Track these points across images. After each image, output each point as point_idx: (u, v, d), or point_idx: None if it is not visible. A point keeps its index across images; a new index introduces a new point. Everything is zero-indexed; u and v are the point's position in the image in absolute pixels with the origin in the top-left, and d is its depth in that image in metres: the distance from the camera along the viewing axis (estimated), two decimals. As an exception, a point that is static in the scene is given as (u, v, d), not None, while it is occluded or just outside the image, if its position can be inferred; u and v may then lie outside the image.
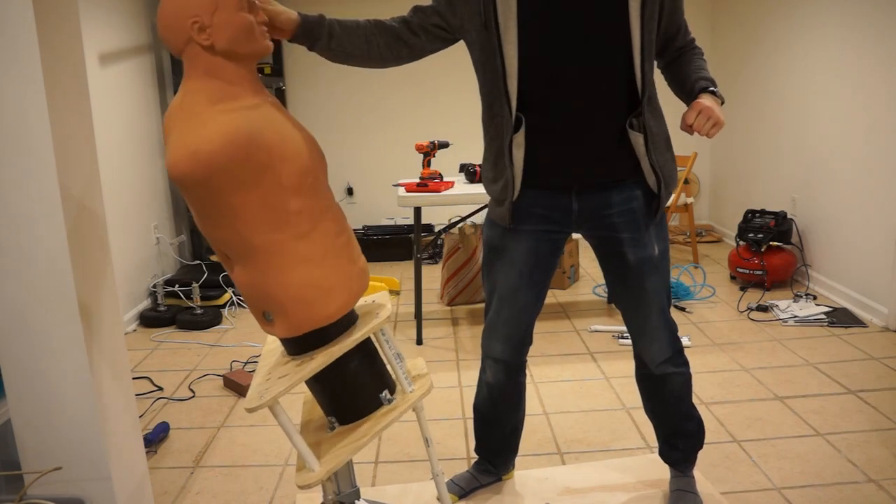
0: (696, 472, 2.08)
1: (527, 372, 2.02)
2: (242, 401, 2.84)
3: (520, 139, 1.67)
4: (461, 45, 1.79)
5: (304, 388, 1.64)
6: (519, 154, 1.68)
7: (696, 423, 1.98)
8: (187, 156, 1.23)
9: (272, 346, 1.65)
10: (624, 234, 1.74)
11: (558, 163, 1.69)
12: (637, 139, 1.67)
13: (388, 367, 1.59)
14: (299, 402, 2.60)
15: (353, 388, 1.51)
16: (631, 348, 1.93)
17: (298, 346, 1.46)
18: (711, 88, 1.64)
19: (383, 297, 1.63)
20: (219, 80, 1.32)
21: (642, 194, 1.74)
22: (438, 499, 1.67)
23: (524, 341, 1.92)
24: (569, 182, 1.72)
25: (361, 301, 1.66)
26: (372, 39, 1.72)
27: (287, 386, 1.38)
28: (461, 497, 2.08)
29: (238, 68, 1.34)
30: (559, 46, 1.60)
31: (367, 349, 1.53)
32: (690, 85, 1.69)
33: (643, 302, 1.80)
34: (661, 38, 1.69)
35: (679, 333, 1.88)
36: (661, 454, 2.03)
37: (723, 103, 1.65)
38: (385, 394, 1.53)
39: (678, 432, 1.98)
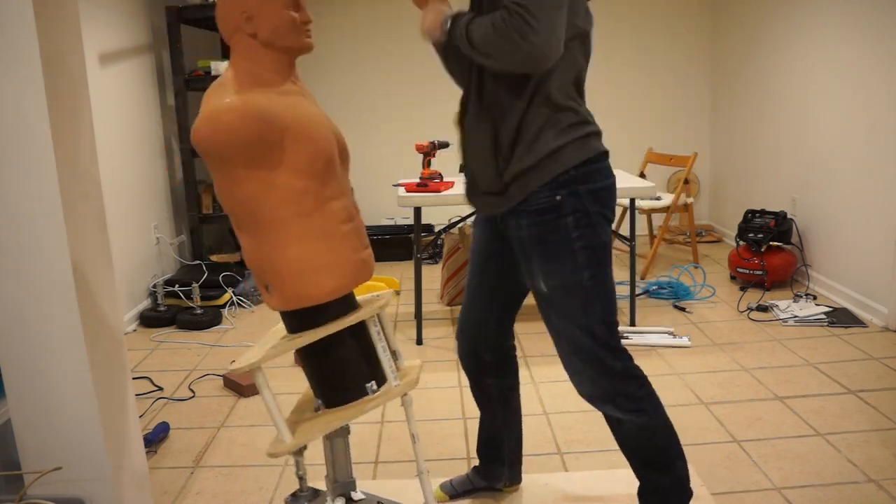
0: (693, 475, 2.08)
1: (510, 382, 1.95)
2: (243, 401, 2.84)
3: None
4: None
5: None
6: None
7: (670, 480, 1.71)
8: (207, 123, 1.35)
9: (280, 325, 1.70)
10: (519, 258, 1.68)
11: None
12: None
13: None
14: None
15: (340, 373, 1.55)
16: (631, 349, 1.92)
17: (295, 322, 1.53)
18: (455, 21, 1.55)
19: (387, 293, 1.67)
20: (256, 64, 1.44)
21: (527, 224, 1.61)
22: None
23: (476, 341, 1.88)
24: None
25: (366, 296, 1.70)
26: None
27: (266, 354, 1.46)
28: (451, 497, 2.07)
29: (277, 59, 1.46)
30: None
31: (361, 338, 1.56)
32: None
33: (551, 333, 1.69)
34: None
35: (628, 375, 1.65)
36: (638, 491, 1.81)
37: (449, 30, 1.56)
38: (371, 385, 1.56)
39: (642, 484, 1.76)
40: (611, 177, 1.63)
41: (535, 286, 1.64)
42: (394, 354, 1.66)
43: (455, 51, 1.64)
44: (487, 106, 1.60)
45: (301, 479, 1.63)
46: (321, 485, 1.89)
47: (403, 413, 2.67)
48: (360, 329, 1.56)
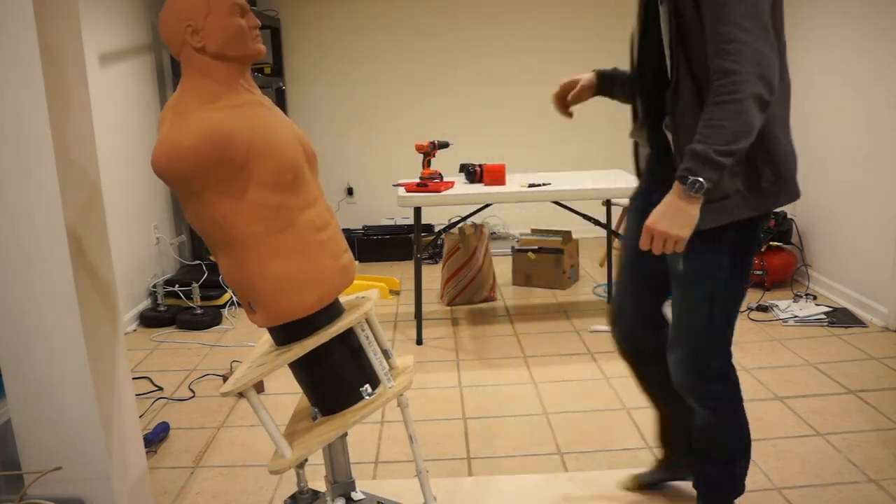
0: None
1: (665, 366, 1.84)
2: (243, 401, 2.84)
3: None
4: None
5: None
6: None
7: (725, 472, 1.75)
8: (165, 151, 1.30)
9: (266, 336, 1.69)
10: None
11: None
12: (669, 141, 1.55)
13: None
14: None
15: (334, 381, 1.54)
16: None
17: (282, 336, 1.52)
18: (688, 177, 1.38)
19: (372, 293, 1.67)
20: (210, 79, 1.39)
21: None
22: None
23: (632, 329, 1.86)
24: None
25: (352, 297, 1.70)
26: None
27: (260, 374, 1.44)
28: (640, 488, 2.03)
29: (229, 70, 1.41)
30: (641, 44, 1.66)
31: (350, 343, 1.55)
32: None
33: (672, 309, 1.68)
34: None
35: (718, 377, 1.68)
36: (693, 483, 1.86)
37: (700, 189, 1.38)
38: (366, 388, 1.56)
39: (698, 469, 1.81)
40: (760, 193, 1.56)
41: (674, 265, 1.60)
42: (385, 354, 1.66)
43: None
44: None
45: (301, 487, 1.64)
46: (321, 485, 1.89)
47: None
48: (349, 334, 1.55)
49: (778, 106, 1.49)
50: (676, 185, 1.41)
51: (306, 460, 1.54)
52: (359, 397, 1.56)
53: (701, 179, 1.37)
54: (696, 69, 1.45)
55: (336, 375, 1.54)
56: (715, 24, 1.37)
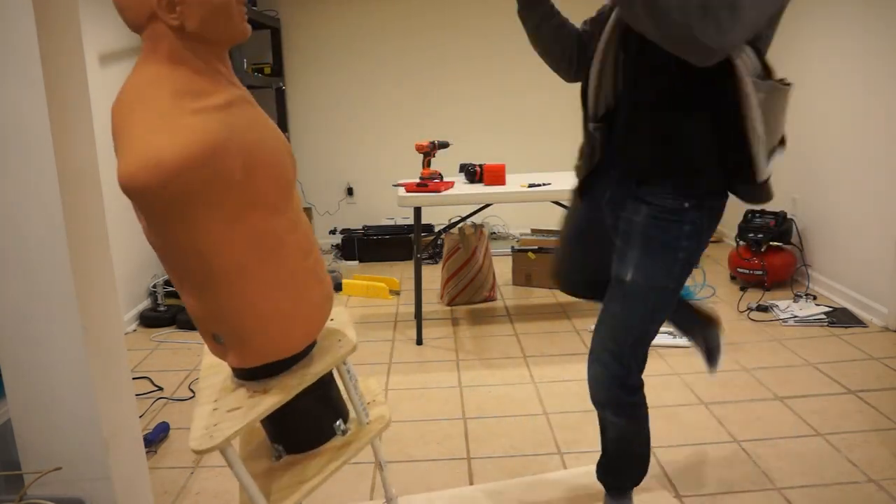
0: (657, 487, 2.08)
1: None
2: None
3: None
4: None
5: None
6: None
7: (634, 467, 1.86)
8: (148, 167, 1.02)
9: (212, 360, 1.46)
10: (616, 239, 1.66)
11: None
12: None
13: (346, 396, 1.47)
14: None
15: (306, 419, 1.38)
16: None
17: (252, 372, 1.31)
18: None
19: (341, 316, 1.49)
20: (186, 67, 1.12)
21: (646, 214, 1.56)
22: None
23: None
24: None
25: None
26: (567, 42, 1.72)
27: (241, 426, 1.21)
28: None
29: (209, 54, 1.15)
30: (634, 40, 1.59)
31: (322, 377, 1.38)
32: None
33: (601, 319, 1.68)
34: None
35: (635, 385, 1.71)
36: (597, 471, 1.93)
37: None
38: (339, 423, 1.41)
39: (609, 462, 1.88)
40: (726, 198, 1.62)
41: (619, 272, 1.61)
42: (356, 387, 1.48)
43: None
44: (688, 95, 1.48)
45: None
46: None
47: (403, 412, 2.67)
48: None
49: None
50: None
51: None
52: (331, 434, 1.39)
53: None
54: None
55: (306, 413, 1.37)
56: None
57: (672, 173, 1.54)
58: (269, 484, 1.32)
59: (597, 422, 1.85)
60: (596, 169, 1.71)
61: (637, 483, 1.90)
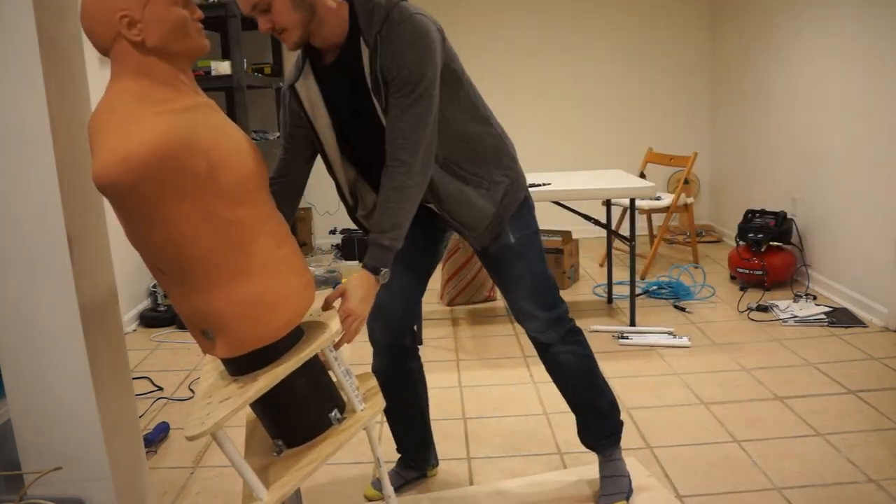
0: (631, 459, 2.08)
1: (420, 361, 2.10)
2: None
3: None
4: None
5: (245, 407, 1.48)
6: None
7: (607, 403, 2.02)
8: (117, 162, 1.12)
9: (211, 364, 1.54)
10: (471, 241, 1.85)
11: None
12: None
13: (338, 385, 1.50)
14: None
15: (300, 410, 1.41)
16: (631, 349, 1.94)
17: (241, 365, 1.36)
18: (378, 267, 1.56)
19: (329, 312, 1.54)
20: (149, 79, 1.23)
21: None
22: None
23: (402, 324, 1.98)
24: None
25: (308, 315, 1.56)
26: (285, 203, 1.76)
27: (230, 410, 1.26)
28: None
29: (171, 67, 1.26)
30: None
31: (313, 366, 1.43)
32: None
33: (508, 284, 1.89)
34: None
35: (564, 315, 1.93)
36: (579, 437, 2.08)
37: (386, 278, 1.57)
38: (335, 413, 1.44)
39: (585, 410, 2.03)
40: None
41: (502, 242, 1.84)
42: (347, 373, 1.51)
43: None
44: (449, 169, 1.75)
45: None
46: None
47: (403, 413, 2.67)
48: (312, 356, 1.40)
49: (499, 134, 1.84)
50: (369, 275, 1.55)
51: None
52: (328, 424, 1.43)
53: (388, 269, 1.58)
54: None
55: (304, 403, 1.41)
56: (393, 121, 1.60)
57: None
58: (269, 474, 1.38)
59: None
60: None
61: (617, 430, 2.03)
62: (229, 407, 1.27)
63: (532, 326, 1.93)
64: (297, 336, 1.42)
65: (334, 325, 1.44)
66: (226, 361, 1.39)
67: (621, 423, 2.06)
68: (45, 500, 1.65)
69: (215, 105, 1.35)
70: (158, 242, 1.22)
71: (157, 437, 2.50)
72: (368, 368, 2.00)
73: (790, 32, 4.20)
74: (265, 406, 1.42)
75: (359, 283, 1.54)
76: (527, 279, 1.87)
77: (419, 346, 2.00)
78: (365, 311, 1.53)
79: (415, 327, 2.07)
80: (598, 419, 2.03)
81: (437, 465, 2.24)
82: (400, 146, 1.58)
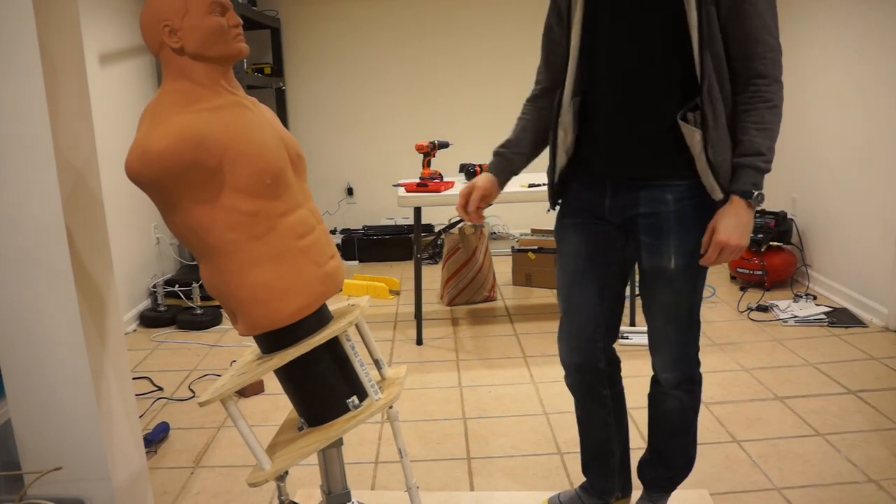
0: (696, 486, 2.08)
1: (620, 388, 1.87)
2: (243, 401, 2.84)
3: (564, 120, 1.65)
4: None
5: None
6: (560, 136, 1.67)
7: (685, 458, 1.84)
8: (138, 156, 1.27)
9: (254, 345, 1.64)
10: (643, 236, 1.62)
11: (596, 151, 1.64)
12: (692, 135, 1.51)
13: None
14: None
15: (320, 391, 1.50)
16: (631, 349, 1.92)
17: (267, 344, 1.48)
18: (750, 190, 1.47)
19: (362, 300, 1.61)
20: (189, 80, 1.36)
21: (674, 199, 1.57)
22: None
23: (592, 344, 1.77)
24: (603, 172, 1.64)
25: (343, 304, 1.64)
26: (538, 131, 1.76)
27: (238, 382, 1.42)
28: None
29: (210, 70, 1.37)
30: (613, 32, 1.57)
31: (337, 353, 1.51)
32: (727, 167, 1.51)
33: (651, 311, 1.70)
34: (727, 51, 1.55)
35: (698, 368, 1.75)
36: (638, 468, 1.90)
37: (761, 200, 1.49)
38: (353, 400, 1.51)
39: (661, 454, 1.84)
40: None
41: (660, 263, 1.62)
42: (377, 363, 1.62)
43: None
44: (716, 100, 1.57)
45: (282, 500, 1.57)
46: (316, 493, 1.88)
47: (403, 412, 2.67)
48: (337, 343, 1.50)
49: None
50: (740, 201, 1.49)
51: (287, 472, 1.50)
52: (345, 409, 1.51)
53: (763, 192, 1.48)
54: (718, 69, 1.57)
55: (322, 386, 1.49)
56: (759, 31, 1.58)
57: (668, 156, 1.58)
58: (283, 448, 1.51)
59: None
60: (568, 186, 1.74)
61: (678, 481, 1.86)
62: (242, 379, 1.42)
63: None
64: (324, 321, 1.50)
65: (351, 316, 1.51)
66: (256, 341, 1.51)
67: (685, 477, 1.88)
68: (45, 500, 1.65)
69: (252, 103, 1.45)
70: (181, 228, 1.36)
71: (157, 437, 2.50)
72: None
73: (790, 33, 4.20)
74: (290, 386, 1.51)
75: (727, 211, 1.48)
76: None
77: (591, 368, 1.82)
78: (741, 238, 1.47)
79: (611, 346, 1.82)
80: (668, 469, 1.85)
81: (623, 497, 1.94)
82: (770, 62, 1.58)
